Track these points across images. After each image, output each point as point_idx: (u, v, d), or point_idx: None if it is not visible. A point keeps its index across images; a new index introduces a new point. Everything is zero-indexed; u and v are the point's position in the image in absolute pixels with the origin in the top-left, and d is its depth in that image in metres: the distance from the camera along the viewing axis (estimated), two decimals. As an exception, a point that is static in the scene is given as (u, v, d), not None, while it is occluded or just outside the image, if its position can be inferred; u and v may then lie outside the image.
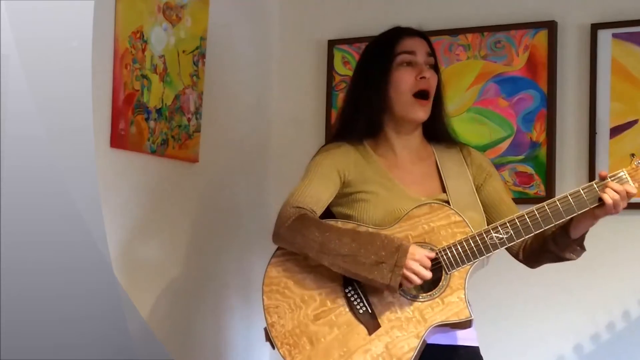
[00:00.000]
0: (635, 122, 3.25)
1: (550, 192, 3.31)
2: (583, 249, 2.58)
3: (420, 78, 2.62)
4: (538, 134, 3.36)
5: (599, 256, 3.16)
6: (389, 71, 2.63)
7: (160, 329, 3.14)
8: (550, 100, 3.35)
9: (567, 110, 3.36)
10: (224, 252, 3.50)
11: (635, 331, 3.22)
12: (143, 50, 3.07)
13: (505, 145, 3.41)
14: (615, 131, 3.27)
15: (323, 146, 2.74)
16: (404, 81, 2.62)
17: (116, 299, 2.83)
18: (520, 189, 3.37)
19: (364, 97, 2.66)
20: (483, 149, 3.40)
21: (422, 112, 2.64)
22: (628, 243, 3.26)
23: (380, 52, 2.67)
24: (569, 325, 3.30)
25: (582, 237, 2.57)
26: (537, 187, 3.35)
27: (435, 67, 2.68)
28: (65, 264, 2.51)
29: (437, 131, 2.72)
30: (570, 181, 3.32)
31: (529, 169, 3.37)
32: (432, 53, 2.68)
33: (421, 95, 2.63)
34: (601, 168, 3.24)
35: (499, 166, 3.39)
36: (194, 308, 3.35)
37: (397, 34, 2.68)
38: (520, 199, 3.24)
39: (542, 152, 3.35)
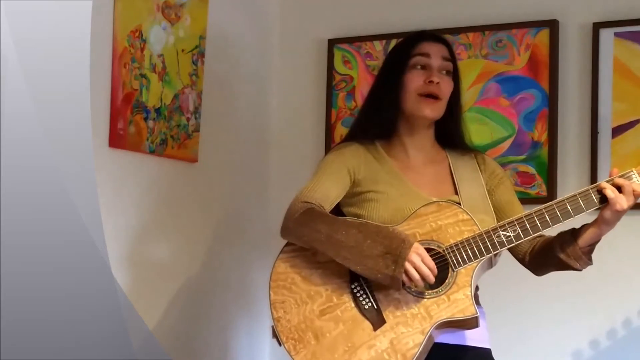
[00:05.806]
0: (637, 121, 3.23)
1: (551, 192, 3.29)
2: (590, 260, 2.55)
3: (429, 82, 2.62)
4: (539, 133, 3.35)
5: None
6: (403, 73, 2.65)
7: (158, 329, 3.13)
8: (551, 100, 3.33)
9: (568, 110, 3.35)
10: (224, 253, 3.49)
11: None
12: (142, 50, 3.06)
13: (506, 145, 3.40)
14: (618, 131, 3.26)
15: (335, 145, 2.76)
16: (412, 82, 2.63)
17: (114, 299, 2.82)
18: (521, 189, 3.35)
19: (378, 98, 2.69)
20: (484, 148, 3.39)
21: (428, 110, 2.63)
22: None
23: (398, 54, 2.71)
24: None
25: (591, 248, 2.53)
26: (539, 187, 3.33)
27: (454, 74, 2.68)
28: (63, 264, 2.51)
29: (451, 137, 2.73)
30: (572, 181, 3.31)
31: (531, 169, 3.35)
32: (450, 59, 2.68)
33: (427, 95, 2.63)
34: (603, 168, 3.23)
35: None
36: (191, 309, 3.33)
37: (418, 37, 2.70)
38: (522, 199, 3.18)
39: (544, 152, 3.33)
